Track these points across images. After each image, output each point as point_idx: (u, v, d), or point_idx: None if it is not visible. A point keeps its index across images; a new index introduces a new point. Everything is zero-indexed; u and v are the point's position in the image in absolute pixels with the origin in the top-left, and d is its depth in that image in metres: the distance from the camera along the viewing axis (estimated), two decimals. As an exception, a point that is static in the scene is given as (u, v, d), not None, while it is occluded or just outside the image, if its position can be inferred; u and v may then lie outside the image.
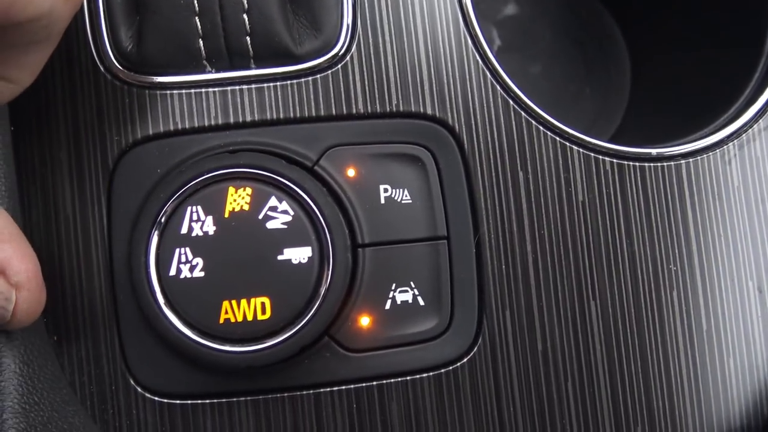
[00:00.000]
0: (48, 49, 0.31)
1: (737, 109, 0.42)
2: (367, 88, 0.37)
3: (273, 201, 0.34)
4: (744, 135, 0.40)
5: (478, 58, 0.38)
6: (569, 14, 0.57)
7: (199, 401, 0.36)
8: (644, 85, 0.56)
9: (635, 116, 0.55)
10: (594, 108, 0.56)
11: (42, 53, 0.31)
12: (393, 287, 0.37)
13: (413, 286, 0.37)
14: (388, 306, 0.37)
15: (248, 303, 0.34)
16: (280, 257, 0.34)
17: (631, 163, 0.39)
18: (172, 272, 0.34)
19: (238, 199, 0.34)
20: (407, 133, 0.38)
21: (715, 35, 0.49)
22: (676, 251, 0.39)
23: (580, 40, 0.57)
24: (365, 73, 0.37)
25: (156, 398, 0.36)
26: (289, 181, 0.35)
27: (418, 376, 0.37)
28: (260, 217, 0.34)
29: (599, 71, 0.57)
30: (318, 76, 0.37)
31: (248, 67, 0.37)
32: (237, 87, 0.37)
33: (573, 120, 0.40)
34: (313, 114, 0.37)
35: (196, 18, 0.36)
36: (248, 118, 0.37)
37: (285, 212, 0.34)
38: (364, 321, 0.36)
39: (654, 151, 0.39)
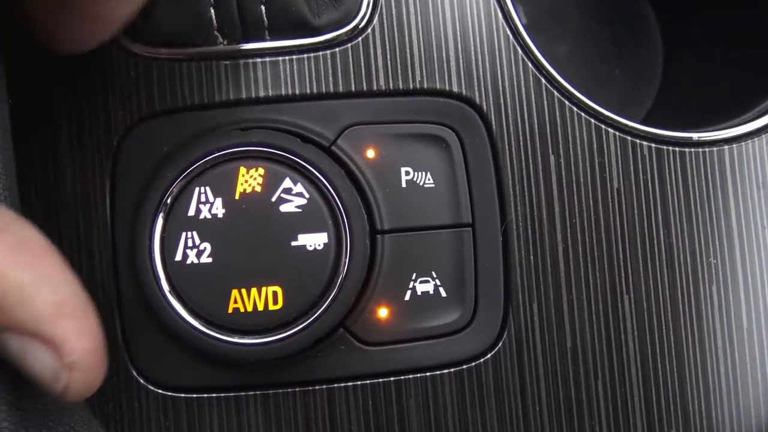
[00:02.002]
0: None
1: (783, 93, 0.41)
2: (389, 63, 0.36)
3: (287, 182, 0.34)
4: (792, 120, 0.39)
5: (508, 32, 0.37)
6: (599, -8, 0.56)
7: (206, 395, 0.36)
8: (678, 68, 0.55)
9: (667, 100, 0.54)
10: (624, 91, 0.54)
11: None
12: (413, 277, 0.36)
13: (435, 276, 0.36)
14: (407, 297, 0.36)
15: (259, 292, 0.33)
16: (293, 243, 0.33)
17: (670, 148, 0.38)
18: (178, 257, 0.33)
19: (249, 179, 0.34)
20: (431, 111, 0.37)
21: (756, 14, 0.47)
22: (717, 243, 0.38)
23: (610, 20, 0.56)
24: (387, 47, 0.36)
25: (159, 391, 0.36)
26: (304, 161, 0.34)
27: (438, 372, 0.36)
28: (273, 199, 0.33)
29: (630, 52, 0.55)
30: (337, 49, 0.36)
31: (262, 39, 0.36)
32: (250, 60, 0.36)
33: (602, 103, 0.38)
34: (331, 90, 0.36)
35: (207, -16, 0.35)
36: (261, 94, 0.36)
37: (300, 195, 0.34)
38: (382, 312, 0.36)
39: (695, 136, 0.38)
